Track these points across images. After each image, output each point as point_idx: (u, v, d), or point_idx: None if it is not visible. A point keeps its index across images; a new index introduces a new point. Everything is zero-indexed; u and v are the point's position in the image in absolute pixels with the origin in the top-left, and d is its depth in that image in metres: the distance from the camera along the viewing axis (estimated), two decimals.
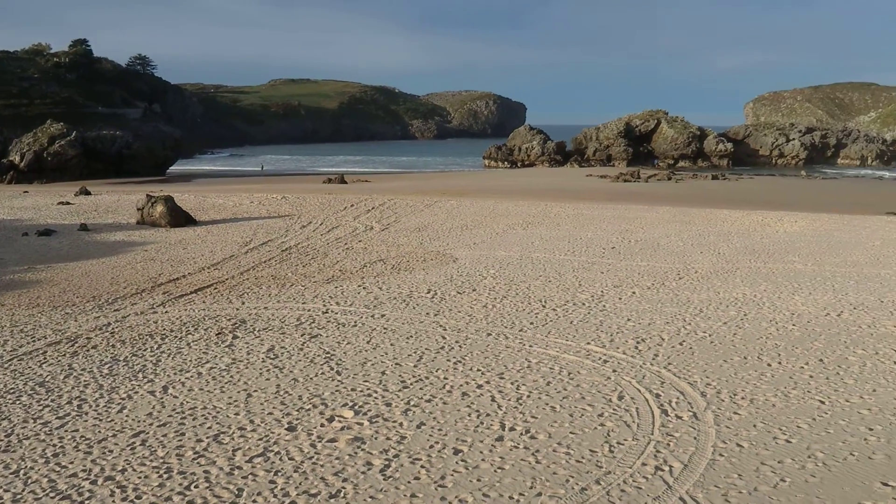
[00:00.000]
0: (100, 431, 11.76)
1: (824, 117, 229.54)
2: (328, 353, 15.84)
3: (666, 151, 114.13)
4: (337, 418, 12.29)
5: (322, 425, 12.00)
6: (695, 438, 11.66)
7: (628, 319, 18.85)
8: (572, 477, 10.29)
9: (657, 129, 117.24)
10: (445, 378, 14.32)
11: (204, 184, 71.05)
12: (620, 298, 21.13)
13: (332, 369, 14.77)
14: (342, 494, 9.75)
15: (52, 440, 11.42)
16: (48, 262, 26.14)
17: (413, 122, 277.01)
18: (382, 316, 18.98)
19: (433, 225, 36.06)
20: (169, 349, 16.14)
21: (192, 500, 9.63)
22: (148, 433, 11.69)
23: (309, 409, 12.68)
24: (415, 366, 15.02)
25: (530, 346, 16.49)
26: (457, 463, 10.67)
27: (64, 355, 15.71)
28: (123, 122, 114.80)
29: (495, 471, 10.44)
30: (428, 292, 21.60)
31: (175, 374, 14.54)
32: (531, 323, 18.41)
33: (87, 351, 16.02)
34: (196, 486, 9.95)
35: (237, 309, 19.68)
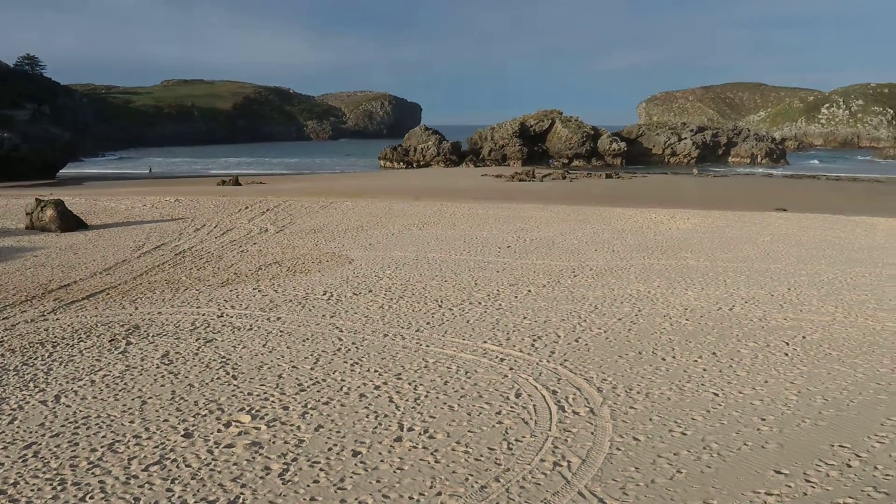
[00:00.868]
0: None
1: (715, 116, 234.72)
2: (224, 357, 15.66)
3: (560, 151, 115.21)
4: (234, 423, 12.16)
5: (219, 431, 11.85)
6: (592, 433, 11.79)
7: (524, 317, 18.98)
8: (472, 475, 10.32)
9: (552, 129, 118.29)
10: (343, 380, 14.26)
11: (96, 187, 69.68)
12: (516, 297, 21.27)
13: (228, 374, 14.60)
14: (241, 500, 9.66)
15: None
16: None
17: (308, 122, 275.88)
18: (278, 319, 18.83)
19: (329, 226, 35.90)
20: (61, 357, 15.77)
21: None
22: (40, 444, 11.41)
23: (205, 415, 12.51)
24: (312, 368, 14.92)
25: (427, 345, 16.50)
26: (356, 465, 10.63)
27: None
28: (11, 124, 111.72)
29: (395, 471, 10.43)
30: (324, 294, 21.49)
31: (67, 382, 14.22)
32: (428, 323, 18.44)
33: None
34: (91, 497, 9.75)
35: (130, 315, 19.35)
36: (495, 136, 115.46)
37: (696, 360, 15.65)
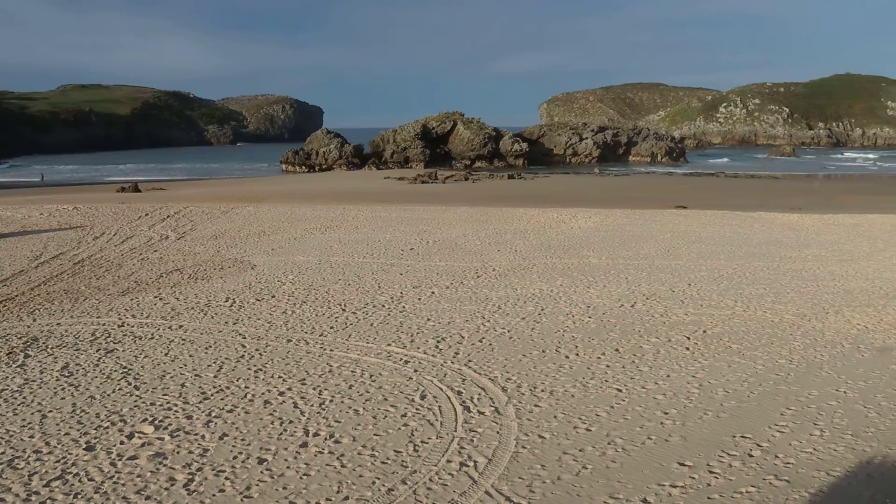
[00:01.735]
0: None
1: (616, 117, 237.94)
2: (125, 367, 15.42)
3: (463, 152, 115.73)
4: (137, 434, 11.99)
5: (122, 443, 11.67)
6: (497, 433, 11.88)
7: (428, 319, 19.03)
8: (378, 479, 10.33)
9: (454, 131, 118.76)
10: (247, 387, 14.16)
11: None
12: (420, 299, 21.32)
13: (129, 384, 14.38)
14: None
15: None
16: None
17: (209, 127, 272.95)
18: (180, 327, 18.61)
19: (230, 232, 35.56)
20: None
21: None
22: None
23: (107, 427, 12.31)
24: (215, 376, 14.79)
25: (331, 350, 16.46)
26: (262, 472, 10.57)
27: None
28: None
29: (301, 477, 10.39)
30: (226, 301, 21.29)
31: None
32: (331, 327, 18.38)
33: None
34: None
35: (28, 326, 18.95)
36: (397, 138, 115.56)
37: (599, 357, 15.86)
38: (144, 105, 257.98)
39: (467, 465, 10.70)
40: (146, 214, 42.68)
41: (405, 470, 10.59)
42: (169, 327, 18.61)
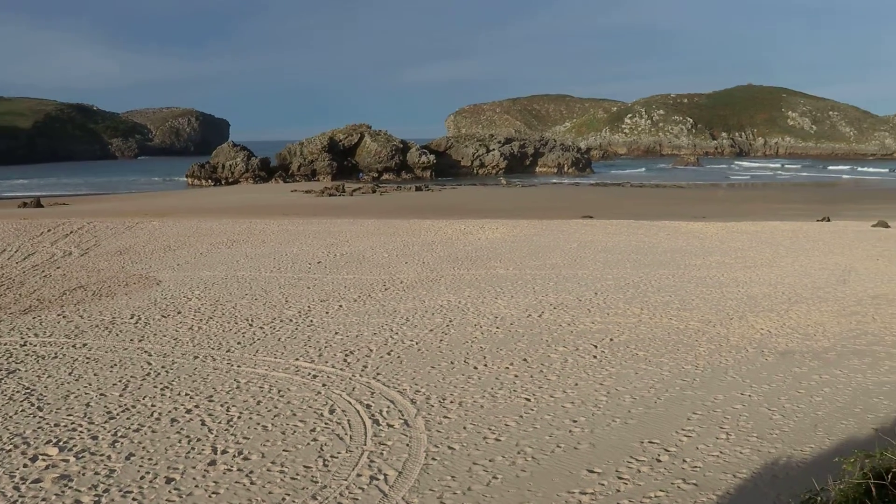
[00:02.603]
0: None
1: (522, 128, 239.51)
2: (28, 388, 15.12)
3: (370, 165, 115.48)
4: (41, 457, 11.77)
5: (25, 466, 11.45)
6: (407, 445, 11.91)
7: (336, 333, 19.00)
8: (288, 495, 10.29)
9: (361, 143, 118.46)
10: (153, 405, 13.99)
11: None
12: (328, 312, 21.26)
13: (32, 405, 14.11)
14: None
15: None
16: None
17: (113, 140, 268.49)
18: (84, 345, 18.31)
19: (135, 247, 35.07)
20: None
21: None
22: None
23: (10, 450, 12.05)
24: (120, 395, 14.58)
25: (239, 366, 16.35)
26: (170, 492, 10.46)
27: None
28: None
29: (210, 496, 10.31)
30: (132, 318, 21.01)
31: None
32: (239, 343, 18.26)
33: None
34: None
35: None
36: (304, 151, 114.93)
37: (507, 367, 15.97)
38: (47, 118, 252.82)
39: (377, 479, 10.71)
40: (49, 230, 41.88)
41: (315, 485, 10.57)
42: (73, 346, 18.30)
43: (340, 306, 21.99)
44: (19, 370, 16.37)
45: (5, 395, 14.70)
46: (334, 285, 25.18)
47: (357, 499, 10.16)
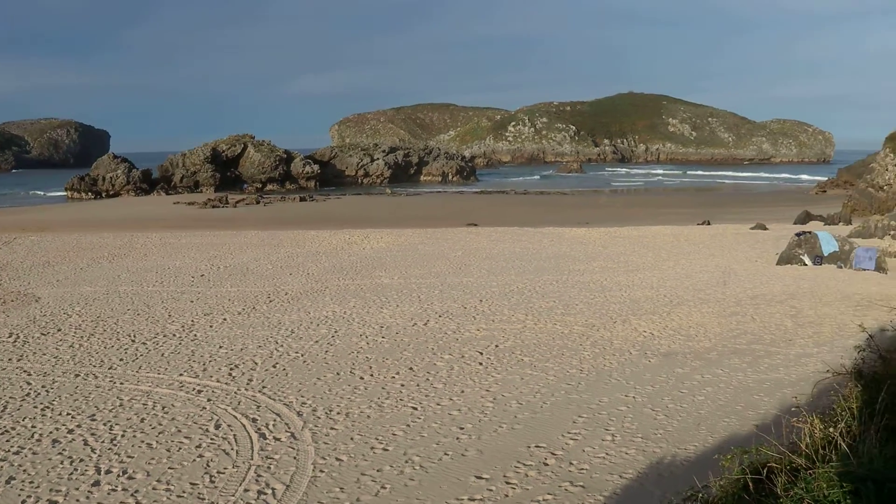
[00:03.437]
0: None
1: (407, 137, 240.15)
2: None
3: (254, 175, 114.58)
4: None
5: None
6: (295, 458, 11.80)
7: (220, 347, 18.75)
8: None
9: (244, 154, 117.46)
10: (33, 427, 13.61)
11: None
12: (211, 326, 20.99)
13: None
14: None
15: None
16: None
17: None
18: None
19: (12, 263, 34.16)
20: None
21: None
22: None
23: None
24: None
25: (121, 383, 16.01)
26: None
27: None
28: None
29: None
30: (9, 336, 20.43)
31: None
32: (121, 359, 17.88)
33: None
34: None
35: None
36: (187, 162, 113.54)
37: (393, 377, 15.94)
38: None
39: (265, 493, 10.57)
40: None
41: (202, 502, 10.39)
42: None
43: (224, 319, 21.72)
44: None
45: None
46: (218, 298, 24.87)
47: None
